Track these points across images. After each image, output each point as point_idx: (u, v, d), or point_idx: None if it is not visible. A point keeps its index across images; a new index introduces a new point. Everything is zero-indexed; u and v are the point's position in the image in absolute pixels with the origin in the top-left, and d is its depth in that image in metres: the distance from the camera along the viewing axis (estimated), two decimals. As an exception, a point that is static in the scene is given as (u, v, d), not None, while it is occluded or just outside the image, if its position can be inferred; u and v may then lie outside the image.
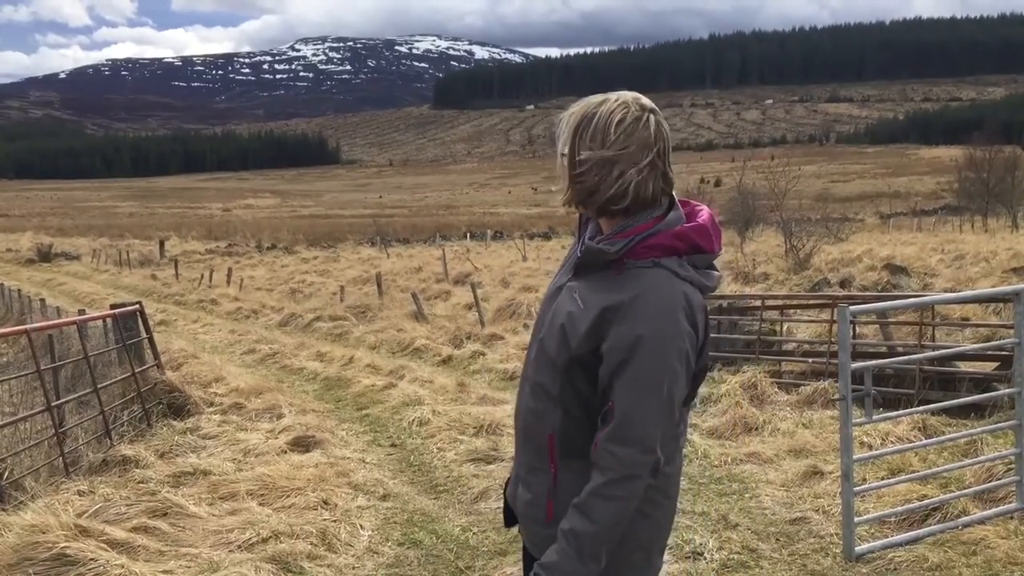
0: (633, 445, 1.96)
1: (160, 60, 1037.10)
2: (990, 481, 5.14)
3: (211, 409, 8.31)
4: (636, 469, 1.96)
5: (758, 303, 10.60)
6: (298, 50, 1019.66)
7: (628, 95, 2.04)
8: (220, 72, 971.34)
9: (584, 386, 2.05)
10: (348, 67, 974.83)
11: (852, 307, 4.78)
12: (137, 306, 8.63)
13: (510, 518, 2.36)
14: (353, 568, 4.69)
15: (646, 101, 2.04)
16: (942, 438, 5.76)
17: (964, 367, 8.13)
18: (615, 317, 1.97)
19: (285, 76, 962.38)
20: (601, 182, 2.01)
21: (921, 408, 5.77)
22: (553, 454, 2.10)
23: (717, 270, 2.12)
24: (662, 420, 1.98)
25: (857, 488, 4.70)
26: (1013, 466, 5.15)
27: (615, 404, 1.97)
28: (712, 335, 8.00)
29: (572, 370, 2.04)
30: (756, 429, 7.06)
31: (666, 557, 2.22)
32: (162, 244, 43.76)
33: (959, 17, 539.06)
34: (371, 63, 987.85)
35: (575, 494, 2.05)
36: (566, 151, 2.05)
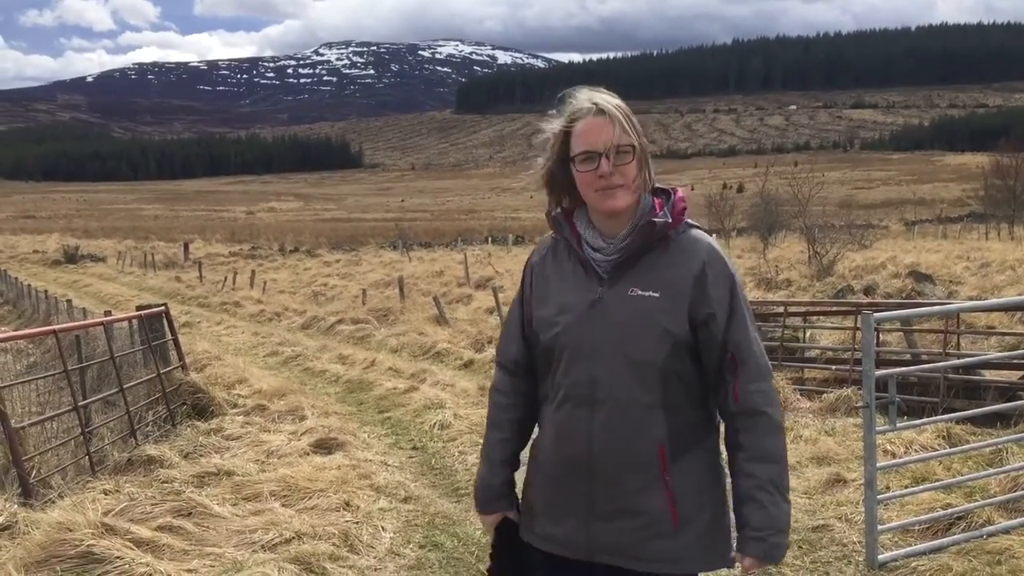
0: (767, 377, 2.15)
1: (186, 64, 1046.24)
2: (1015, 491, 5.09)
3: (235, 410, 8.36)
4: (776, 396, 2.14)
5: (781, 309, 10.56)
6: (322, 55, 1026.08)
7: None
8: (245, 76, 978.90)
9: (688, 364, 2.11)
10: (371, 72, 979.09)
11: (876, 314, 4.75)
12: (162, 308, 8.70)
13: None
14: (375, 570, 4.70)
15: None
16: (966, 447, 5.71)
17: (989, 376, 8.08)
18: (706, 279, 2.08)
19: (309, 80, 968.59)
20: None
21: (945, 416, 5.72)
22: (665, 464, 2.07)
23: None
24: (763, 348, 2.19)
25: (880, 496, 4.67)
26: (1039, 476, 5.11)
27: (735, 351, 2.10)
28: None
29: (673, 357, 2.07)
30: (778, 436, 7.02)
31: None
32: (186, 247, 44.15)
33: (986, 23, 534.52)
34: (394, 68, 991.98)
35: (689, 490, 2.09)
36: (638, 141, 2.13)
